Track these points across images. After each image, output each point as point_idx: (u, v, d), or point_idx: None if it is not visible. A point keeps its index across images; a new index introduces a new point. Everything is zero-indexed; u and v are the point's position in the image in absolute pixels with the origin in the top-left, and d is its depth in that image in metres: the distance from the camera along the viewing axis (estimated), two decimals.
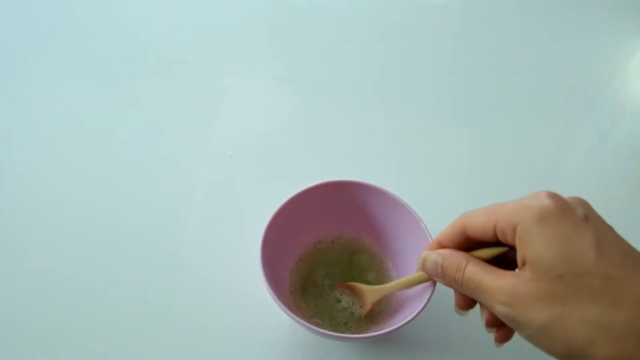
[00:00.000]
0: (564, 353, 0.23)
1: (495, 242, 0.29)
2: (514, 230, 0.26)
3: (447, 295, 0.42)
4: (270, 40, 0.71)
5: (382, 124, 0.59)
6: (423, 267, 0.32)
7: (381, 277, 0.42)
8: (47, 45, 0.66)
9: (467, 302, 0.31)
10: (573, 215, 0.25)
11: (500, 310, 0.25)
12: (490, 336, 0.42)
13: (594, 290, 0.23)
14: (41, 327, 0.40)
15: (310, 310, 0.40)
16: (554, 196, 0.25)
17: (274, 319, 0.40)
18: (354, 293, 0.40)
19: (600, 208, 0.27)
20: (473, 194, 0.51)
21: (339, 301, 0.40)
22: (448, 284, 0.30)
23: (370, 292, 0.38)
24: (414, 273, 0.34)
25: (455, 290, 0.31)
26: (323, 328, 0.35)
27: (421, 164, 0.55)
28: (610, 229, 0.25)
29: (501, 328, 0.30)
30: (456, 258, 0.29)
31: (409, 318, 0.33)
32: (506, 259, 0.29)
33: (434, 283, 0.35)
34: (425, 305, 0.34)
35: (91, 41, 0.67)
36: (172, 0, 0.75)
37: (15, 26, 0.68)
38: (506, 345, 0.41)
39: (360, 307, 0.39)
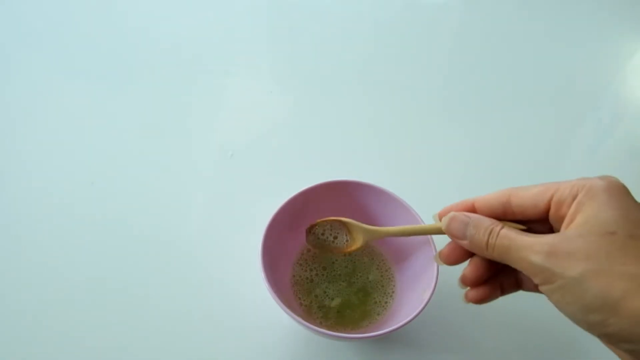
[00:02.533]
0: (591, 305, 0.23)
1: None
2: (574, 197, 0.26)
3: (447, 295, 0.42)
4: (271, 41, 0.71)
5: (383, 123, 0.59)
6: (447, 227, 0.31)
7: (382, 277, 0.42)
8: (47, 45, 0.66)
9: (456, 257, 0.31)
10: (632, 196, 0.26)
11: (535, 259, 0.25)
12: (489, 336, 0.42)
13: None
14: (42, 323, 0.40)
15: (310, 310, 0.40)
16: (619, 180, 0.26)
17: (274, 318, 0.40)
18: (346, 228, 0.38)
19: None
20: (473, 193, 0.50)
21: (325, 237, 0.39)
22: (475, 245, 0.29)
23: (365, 231, 0.37)
24: (416, 225, 0.35)
25: (477, 259, 0.31)
26: (323, 327, 0.35)
27: (421, 164, 0.55)
28: None
29: (479, 288, 0.31)
30: (489, 221, 0.29)
31: (409, 318, 0.33)
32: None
33: (435, 278, 0.35)
34: (425, 305, 0.34)
35: (91, 41, 0.67)
36: (172, 0, 0.75)
37: (15, 26, 0.68)
38: (506, 345, 0.41)
39: (347, 241, 0.38)
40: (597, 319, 0.23)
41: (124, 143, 0.54)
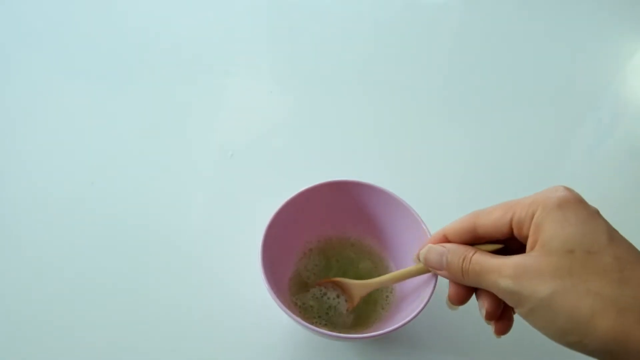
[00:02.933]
0: (565, 327, 0.23)
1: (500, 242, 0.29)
2: (532, 217, 0.26)
3: (447, 295, 0.42)
4: (271, 41, 0.71)
5: (383, 123, 0.59)
6: (425, 259, 0.32)
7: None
8: (47, 45, 0.66)
9: (461, 295, 0.31)
10: (588, 207, 0.26)
11: (504, 284, 0.26)
12: (489, 336, 0.42)
13: (603, 267, 0.23)
14: (41, 323, 0.40)
15: (310, 309, 0.40)
16: (571, 190, 0.27)
17: (274, 318, 0.40)
18: (340, 288, 0.39)
19: (600, 208, 0.27)
20: (473, 193, 0.51)
21: (327, 297, 0.40)
22: (452, 274, 0.30)
23: (358, 287, 0.38)
24: (404, 268, 0.35)
25: (453, 283, 0.31)
26: (323, 327, 0.35)
27: (422, 164, 0.55)
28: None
29: (500, 320, 0.30)
30: (463, 249, 0.30)
31: (409, 318, 0.33)
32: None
33: (434, 277, 0.35)
34: (425, 305, 0.34)
35: (91, 41, 0.67)
36: (172, 0, 0.75)
37: (15, 26, 0.68)
38: (506, 345, 0.41)
39: (346, 301, 0.39)
40: (574, 340, 0.23)
41: (124, 143, 0.54)
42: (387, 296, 0.41)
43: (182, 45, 0.68)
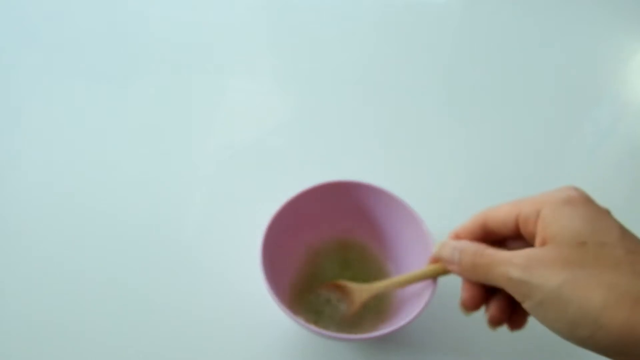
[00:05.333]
0: (575, 319, 0.23)
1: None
2: (538, 215, 0.26)
3: (447, 295, 0.42)
4: (271, 41, 0.71)
5: (383, 123, 0.59)
6: (439, 254, 0.32)
7: (382, 277, 0.42)
8: (47, 45, 0.66)
9: (475, 299, 0.31)
10: (596, 205, 0.26)
11: (514, 273, 0.25)
12: (489, 337, 0.42)
13: (616, 259, 0.23)
14: (40, 322, 0.40)
15: (310, 310, 0.40)
16: (579, 189, 0.27)
17: (274, 318, 0.40)
18: (341, 292, 0.39)
19: None
20: (473, 194, 0.51)
21: (330, 301, 0.40)
22: (463, 268, 0.30)
23: (360, 291, 0.37)
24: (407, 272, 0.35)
25: (466, 285, 0.31)
26: (323, 328, 0.35)
27: (422, 164, 0.55)
28: None
29: (508, 321, 0.30)
30: (476, 245, 0.30)
31: (409, 318, 0.33)
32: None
33: (434, 282, 0.35)
34: (425, 306, 0.34)
35: (91, 41, 0.67)
36: (172, 0, 0.75)
37: (16, 26, 0.68)
38: (506, 346, 0.41)
39: (348, 305, 0.38)
40: (585, 334, 0.23)
41: (124, 143, 0.54)
42: (387, 297, 0.41)
43: (182, 45, 0.68)
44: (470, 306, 0.31)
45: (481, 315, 0.42)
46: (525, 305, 0.25)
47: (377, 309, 0.40)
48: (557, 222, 0.25)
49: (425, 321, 0.41)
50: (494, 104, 0.63)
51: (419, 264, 0.39)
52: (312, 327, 0.33)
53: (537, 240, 0.26)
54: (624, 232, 0.24)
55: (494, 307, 0.30)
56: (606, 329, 0.22)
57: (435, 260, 0.34)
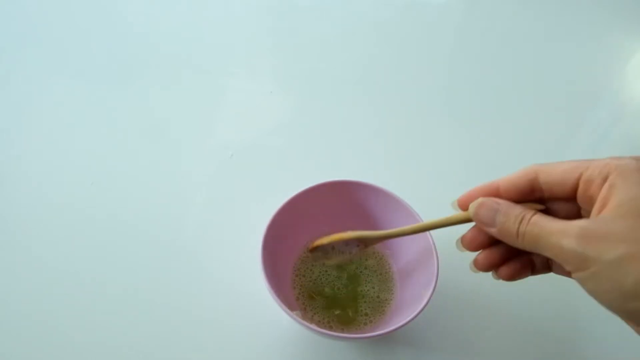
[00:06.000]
0: (631, 291, 0.22)
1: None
2: (605, 179, 0.25)
3: (447, 295, 0.42)
4: (271, 41, 0.71)
5: (383, 123, 0.59)
6: (476, 213, 0.29)
7: (383, 276, 0.42)
8: (47, 45, 0.66)
9: (480, 240, 0.30)
10: None
11: (568, 244, 0.24)
12: (490, 337, 0.42)
13: None
14: (40, 323, 0.40)
15: (310, 310, 0.40)
16: None
17: (274, 318, 0.40)
18: (355, 240, 0.37)
19: None
20: None
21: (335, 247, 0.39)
22: (503, 233, 0.28)
23: (376, 238, 0.36)
24: (426, 220, 0.33)
25: (477, 229, 0.30)
26: (321, 324, 0.35)
27: (422, 164, 0.55)
28: None
29: (510, 262, 0.30)
30: (520, 208, 0.27)
31: (409, 318, 0.33)
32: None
33: (435, 277, 0.34)
34: (425, 305, 0.34)
35: (92, 42, 0.67)
36: (172, 0, 0.75)
37: (16, 26, 0.68)
38: (507, 345, 0.41)
39: (358, 245, 0.37)
40: (638, 307, 0.22)
41: (124, 143, 0.54)
42: (387, 296, 0.41)
43: (183, 45, 0.68)
44: (471, 246, 0.30)
45: (481, 315, 0.43)
46: (576, 276, 0.24)
47: (378, 309, 0.40)
48: (626, 190, 0.24)
49: (425, 321, 0.41)
50: (494, 103, 0.63)
51: (418, 262, 0.39)
52: (313, 326, 0.33)
53: (597, 206, 0.25)
54: None
55: (510, 267, 0.30)
56: None
57: (463, 202, 0.31)
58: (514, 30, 0.75)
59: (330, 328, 0.38)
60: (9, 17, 0.69)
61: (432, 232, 0.37)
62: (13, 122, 0.56)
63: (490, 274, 0.31)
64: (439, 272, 0.36)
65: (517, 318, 0.42)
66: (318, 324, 0.38)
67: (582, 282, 0.24)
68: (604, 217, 0.24)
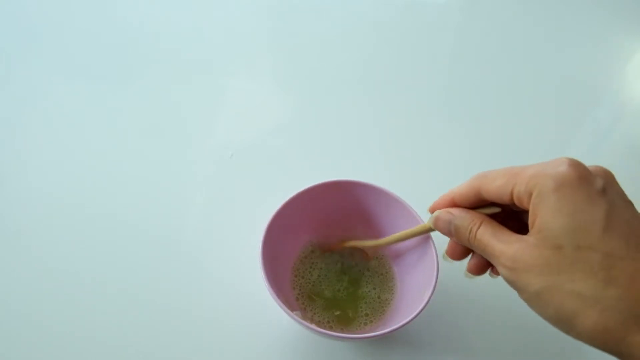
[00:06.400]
0: (554, 319, 0.25)
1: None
2: (530, 196, 0.26)
3: (447, 295, 0.42)
4: (271, 41, 0.71)
5: (383, 123, 0.59)
6: (435, 225, 0.32)
7: (383, 277, 0.42)
8: (47, 45, 0.66)
9: (458, 252, 0.32)
10: (590, 186, 0.25)
11: (503, 272, 0.27)
12: (489, 337, 0.43)
13: (591, 265, 0.23)
14: (39, 323, 0.40)
15: (310, 310, 0.40)
16: (575, 164, 0.25)
17: (274, 318, 0.40)
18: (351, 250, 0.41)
19: None
20: None
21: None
22: (461, 242, 0.31)
23: (370, 249, 0.41)
24: (412, 227, 0.36)
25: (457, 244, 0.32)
26: (321, 324, 0.35)
27: (422, 164, 0.55)
28: (628, 204, 0.25)
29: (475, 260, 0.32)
30: (469, 219, 0.30)
31: (409, 318, 0.33)
32: (517, 216, 0.30)
33: (435, 277, 0.35)
34: (425, 305, 0.34)
35: (92, 42, 0.67)
36: (172, 1, 0.75)
37: (16, 26, 0.68)
38: (507, 345, 0.41)
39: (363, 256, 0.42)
40: (564, 330, 0.25)
41: (124, 143, 0.54)
42: (387, 296, 0.41)
43: (183, 44, 0.68)
44: (455, 256, 0.33)
45: (481, 315, 0.43)
46: (519, 296, 0.27)
47: (378, 309, 0.40)
48: (543, 215, 0.25)
49: (426, 321, 0.41)
50: (494, 104, 0.63)
51: (418, 262, 0.39)
52: (313, 326, 0.33)
53: (529, 221, 0.26)
54: (607, 227, 0.23)
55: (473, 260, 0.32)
56: (579, 331, 0.24)
57: (435, 208, 0.34)
58: (513, 30, 0.75)
59: (330, 328, 0.38)
60: (9, 17, 0.69)
61: (432, 233, 0.37)
62: (13, 121, 0.56)
63: (488, 274, 0.32)
64: (439, 272, 0.36)
65: (517, 318, 0.42)
66: (318, 324, 0.38)
67: (524, 301, 0.27)
68: (529, 243, 0.25)
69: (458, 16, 0.78)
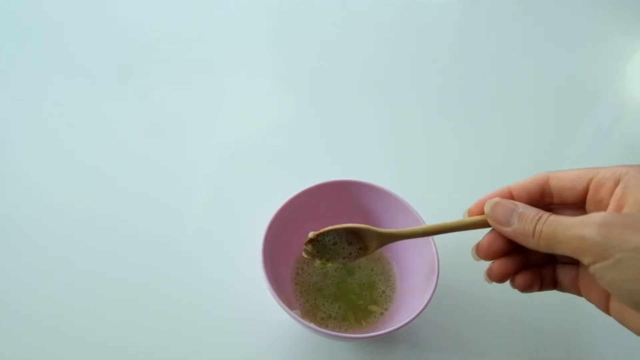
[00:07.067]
0: None
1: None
2: (617, 181, 0.26)
3: (448, 295, 0.42)
4: (271, 41, 0.71)
5: (383, 123, 0.59)
6: (492, 212, 0.29)
7: (383, 277, 0.42)
8: (47, 45, 0.66)
9: (495, 247, 0.30)
10: None
11: (588, 233, 0.24)
12: (490, 337, 0.42)
13: None
14: (39, 323, 0.40)
15: (310, 310, 0.40)
16: None
17: (274, 318, 0.40)
18: (357, 235, 0.34)
19: None
20: (473, 193, 0.50)
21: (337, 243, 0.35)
22: (519, 232, 0.28)
23: (379, 236, 0.34)
24: (436, 223, 0.32)
25: (494, 234, 0.30)
26: (322, 324, 0.35)
27: (423, 164, 0.55)
28: None
29: (525, 272, 0.30)
30: (536, 209, 0.28)
31: (409, 318, 0.33)
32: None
33: (435, 276, 0.34)
34: (425, 306, 0.34)
35: (92, 42, 0.67)
36: (172, 1, 0.75)
37: (16, 26, 0.68)
38: (507, 345, 0.41)
39: (360, 248, 0.34)
40: None
41: (124, 143, 0.54)
42: (387, 296, 0.41)
43: (183, 45, 0.68)
44: (486, 254, 0.30)
45: (481, 316, 0.43)
46: (595, 267, 0.24)
47: (378, 309, 0.40)
48: (635, 193, 0.24)
49: (425, 321, 0.41)
50: (494, 103, 0.63)
51: (419, 262, 0.39)
52: (313, 326, 0.33)
53: (611, 207, 0.25)
54: None
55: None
56: None
57: (474, 212, 0.31)
58: (513, 30, 0.75)
59: (330, 328, 0.38)
60: (9, 17, 0.69)
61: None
62: (13, 121, 0.56)
63: (484, 278, 0.31)
64: (439, 272, 0.36)
65: (518, 318, 0.42)
66: (318, 323, 0.38)
67: (602, 273, 0.24)
68: (620, 212, 0.24)
69: (458, 16, 0.78)
